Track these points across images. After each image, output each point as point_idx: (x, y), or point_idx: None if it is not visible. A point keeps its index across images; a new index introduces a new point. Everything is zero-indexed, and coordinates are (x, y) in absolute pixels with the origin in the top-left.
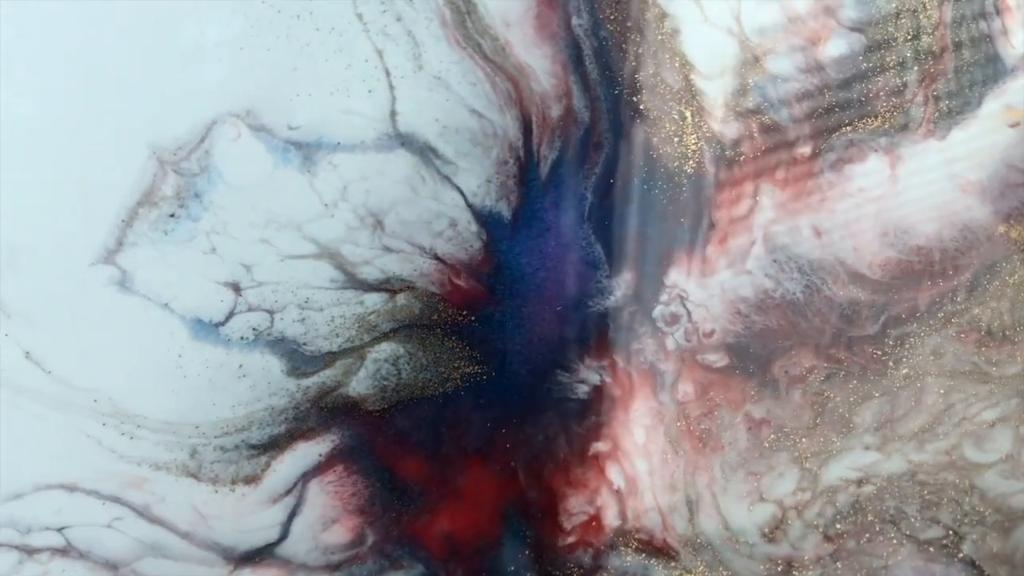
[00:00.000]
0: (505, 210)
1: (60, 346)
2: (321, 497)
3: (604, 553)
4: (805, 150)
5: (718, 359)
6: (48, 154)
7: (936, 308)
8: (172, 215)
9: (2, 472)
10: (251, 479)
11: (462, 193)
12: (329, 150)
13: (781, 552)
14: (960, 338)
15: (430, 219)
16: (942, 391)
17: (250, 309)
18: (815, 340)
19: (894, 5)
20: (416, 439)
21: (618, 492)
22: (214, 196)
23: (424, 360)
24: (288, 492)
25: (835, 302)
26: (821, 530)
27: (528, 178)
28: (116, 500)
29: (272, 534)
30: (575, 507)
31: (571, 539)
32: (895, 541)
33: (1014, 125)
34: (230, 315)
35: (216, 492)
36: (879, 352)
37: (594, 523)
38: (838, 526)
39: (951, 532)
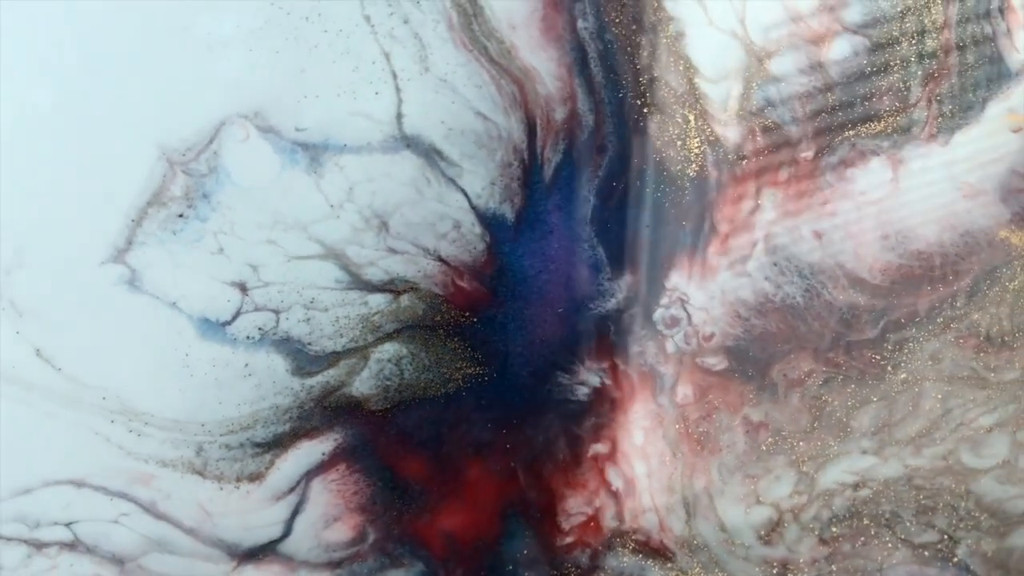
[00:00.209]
0: (509, 212)
1: (70, 344)
2: (324, 495)
3: (601, 554)
4: (807, 153)
5: (717, 362)
6: (59, 155)
7: (936, 313)
8: (181, 215)
9: (12, 467)
10: (255, 477)
11: (466, 195)
12: (336, 152)
13: (777, 555)
14: (959, 343)
15: (434, 221)
16: (940, 396)
17: (256, 309)
18: (814, 344)
19: (899, 8)
20: (418, 439)
21: (616, 493)
22: (222, 197)
23: (427, 361)
24: (291, 490)
25: (835, 306)
26: (817, 533)
27: (532, 181)
28: (123, 496)
29: (275, 531)
30: (573, 508)
31: (569, 539)
32: (890, 545)
33: (1017, 130)
34: (237, 315)
35: (221, 489)
36: (878, 357)
37: (592, 524)
38: (834, 529)
39: (946, 536)
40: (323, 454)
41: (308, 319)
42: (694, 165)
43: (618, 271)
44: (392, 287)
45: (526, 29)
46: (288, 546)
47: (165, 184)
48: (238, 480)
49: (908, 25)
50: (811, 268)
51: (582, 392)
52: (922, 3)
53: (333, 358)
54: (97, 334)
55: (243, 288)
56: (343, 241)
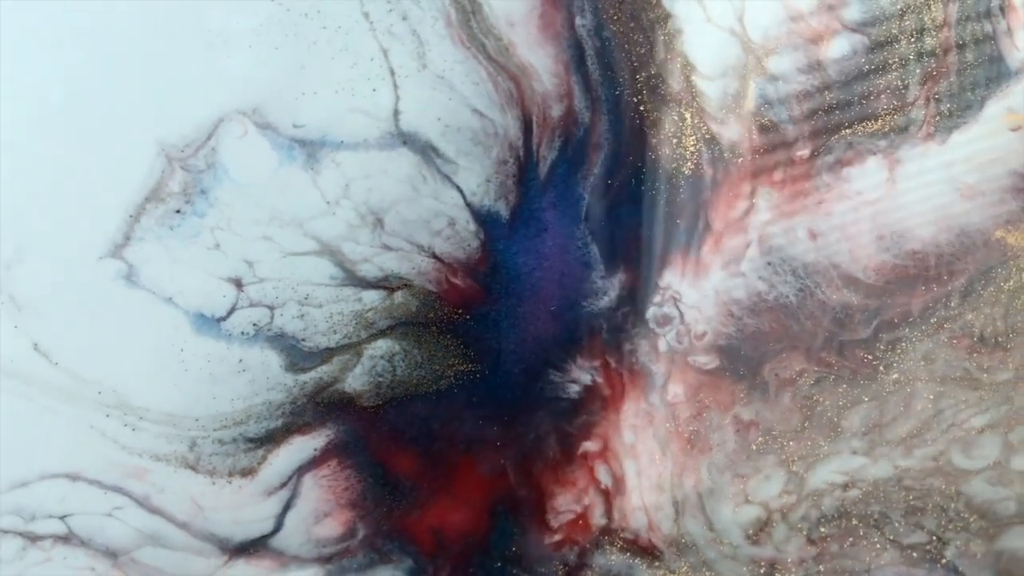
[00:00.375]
0: (503, 210)
1: (68, 338)
2: (315, 491)
3: (589, 551)
4: (804, 152)
5: (709, 361)
6: (59, 152)
7: (929, 313)
8: (178, 211)
9: (9, 461)
10: (247, 472)
11: (461, 192)
12: (333, 148)
13: (765, 554)
14: (952, 344)
15: (429, 218)
16: (932, 397)
17: (251, 305)
18: (806, 344)
19: (898, 6)
20: (409, 435)
21: (605, 491)
22: (220, 193)
23: (419, 357)
24: (283, 485)
25: (828, 306)
26: (805, 533)
27: (527, 178)
28: (117, 490)
29: (266, 526)
30: (562, 505)
31: (557, 537)
32: (878, 545)
33: (1015, 129)
34: (232, 310)
35: (213, 484)
36: (870, 357)
37: (581, 522)
38: (822, 529)
39: (935, 538)
40: (315, 450)
41: (302, 315)
42: (689, 163)
43: (611, 269)
44: (386, 284)
45: (524, 26)
46: (279, 541)
47: (163, 180)
48: (230, 475)
49: (908, 23)
50: (805, 267)
51: (573, 390)
52: (922, 1)
53: (326, 354)
54: (94, 329)
55: (239, 284)
56: (339, 238)
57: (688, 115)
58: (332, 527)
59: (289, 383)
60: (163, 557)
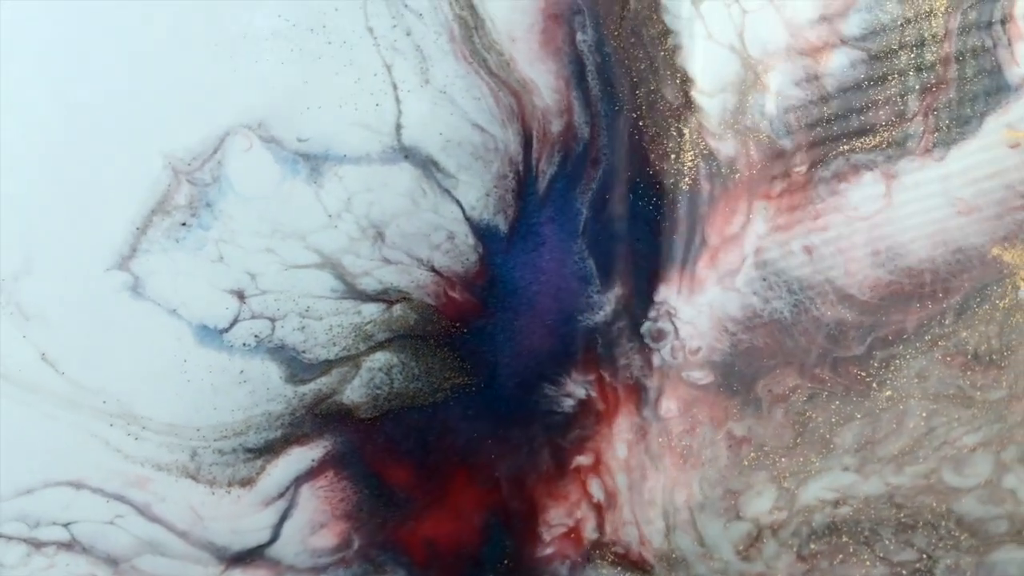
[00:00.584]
0: (502, 224)
1: (74, 348)
2: (312, 501)
3: (580, 565)
4: (801, 167)
5: (703, 376)
6: (67, 164)
7: (924, 330)
8: (184, 224)
9: (15, 468)
10: (246, 482)
11: (461, 206)
12: (336, 162)
13: (754, 570)
14: (946, 361)
15: (429, 232)
16: (924, 414)
17: (253, 316)
18: (800, 360)
19: (898, 21)
20: (405, 447)
21: (598, 505)
22: (224, 206)
23: (416, 370)
24: (281, 495)
25: (822, 322)
26: (795, 550)
27: (526, 192)
28: (119, 498)
29: (263, 536)
30: (555, 519)
31: (549, 550)
32: (868, 563)
33: (1014, 146)
34: (234, 322)
35: (213, 493)
36: (863, 373)
37: (572, 535)
38: (812, 546)
39: (925, 556)
40: (313, 460)
41: (303, 327)
42: (687, 178)
43: (607, 284)
44: (385, 297)
45: (526, 42)
46: (275, 551)
47: (170, 193)
48: (230, 485)
49: (907, 38)
50: (800, 283)
51: (567, 404)
52: (922, 15)
53: (326, 366)
54: (100, 339)
55: (241, 296)
56: (340, 251)
57: (686, 130)
58: (328, 538)
59: (289, 394)
60: (162, 565)
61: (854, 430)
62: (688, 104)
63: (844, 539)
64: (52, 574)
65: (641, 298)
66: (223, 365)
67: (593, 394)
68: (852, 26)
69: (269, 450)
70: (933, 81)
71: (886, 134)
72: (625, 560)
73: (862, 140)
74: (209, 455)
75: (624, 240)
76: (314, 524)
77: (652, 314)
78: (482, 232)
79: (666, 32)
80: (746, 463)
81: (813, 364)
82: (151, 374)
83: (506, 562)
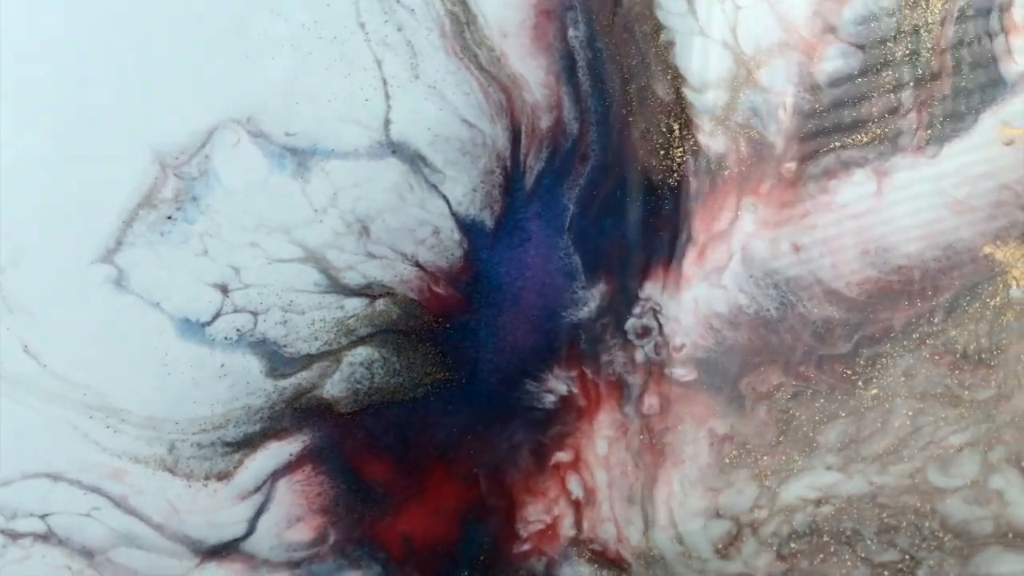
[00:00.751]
0: (488, 219)
1: (56, 341)
2: (288, 495)
3: (557, 562)
4: (791, 165)
5: (686, 373)
6: (57, 157)
7: (912, 329)
8: (169, 217)
9: None
10: (223, 475)
11: (448, 202)
12: (323, 157)
13: (733, 569)
14: (934, 360)
15: (414, 227)
16: (910, 413)
17: (236, 310)
18: (785, 357)
19: (895, 19)
20: (384, 443)
21: (576, 502)
22: (210, 200)
23: (397, 365)
24: (257, 489)
25: (809, 320)
26: (775, 549)
27: (513, 188)
28: (96, 490)
29: (239, 530)
30: (533, 515)
31: (526, 547)
32: (849, 563)
33: (1009, 143)
34: (216, 316)
35: (190, 487)
36: (849, 372)
37: (550, 532)
38: (793, 545)
39: (907, 556)
40: (290, 455)
41: (285, 321)
42: (676, 175)
43: (593, 280)
44: (369, 291)
45: (517, 37)
46: (250, 545)
47: (156, 187)
48: (207, 478)
49: (903, 35)
50: (787, 281)
51: (549, 400)
52: (918, 12)
53: (307, 360)
54: (83, 332)
55: (224, 290)
56: (324, 245)
57: (676, 127)
58: (304, 532)
59: (269, 388)
60: (137, 558)
61: (838, 429)
62: (679, 100)
63: (825, 539)
64: (28, 565)
65: (626, 294)
66: (204, 359)
67: (575, 390)
68: (846, 21)
69: (247, 444)
70: (927, 76)
71: (879, 131)
72: (602, 558)
73: (854, 137)
74: (187, 448)
75: (611, 236)
76: (290, 518)
77: (637, 311)
78: (468, 227)
79: (659, 28)
80: (728, 461)
81: (798, 362)
82: (132, 367)
83: (482, 558)
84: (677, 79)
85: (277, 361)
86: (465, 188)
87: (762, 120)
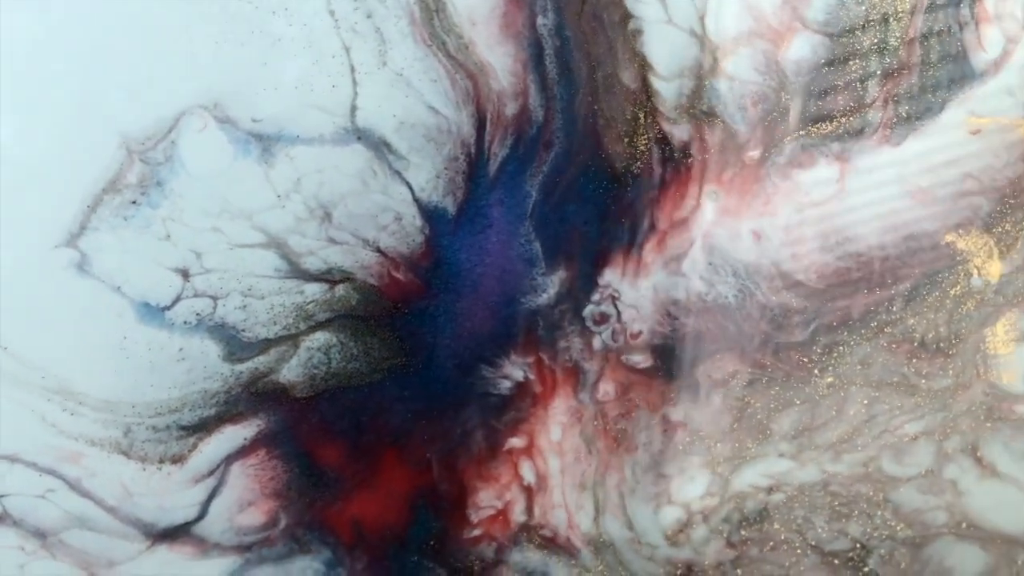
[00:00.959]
0: (450, 206)
1: (17, 324)
2: (241, 479)
3: (507, 548)
4: (754, 153)
5: (642, 360)
6: (24, 142)
7: (870, 317)
8: (134, 202)
9: None
10: (178, 459)
11: (411, 188)
12: (288, 143)
13: (682, 556)
14: (891, 348)
15: (377, 212)
16: (866, 401)
17: (196, 295)
18: (742, 345)
19: (864, 8)
20: (338, 427)
21: (528, 488)
22: (175, 184)
23: (355, 350)
24: (211, 473)
25: (767, 307)
26: (725, 536)
27: (477, 174)
28: (52, 472)
29: (191, 513)
30: (484, 501)
31: (476, 532)
32: (799, 551)
33: (975, 132)
34: (176, 300)
35: (144, 470)
36: (805, 359)
37: (501, 518)
38: (743, 533)
39: (858, 545)
40: (245, 439)
41: (245, 306)
42: (639, 163)
43: (552, 266)
44: (329, 277)
45: (486, 25)
46: (202, 528)
47: (122, 172)
48: (161, 461)
49: (871, 23)
50: (747, 268)
51: (504, 386)
52: (888, 1)
53: (264, 345)
54: (44, 316)
55: (185, 274)
56: (286, 230)
57: (641, 115)
58: (255, 516)
59: (226, 372)
60: (89, 540)
61: (792, 416)
62: (645, 88)
63: (776, 526)
64: None
65: (586, 281)
66: (162, 343)
67: (531, 376)
68: (816, 10)
69: (202, 428)
70: (895, 66)
71: (844, 121)
72: (552, 543)
73: (819, 125)
74: (143, 432)
75: (572, 223)
76: (242, 502)
77: (595, 297)
78: (430, 213)
79: (627, 16)
80: (680, 448)
81: (755, 349)
82: (90, 351)
83: (432, 543)
84: (644, 67)
85: (235, 345)
86: (429, 175)
87: (727, 109)
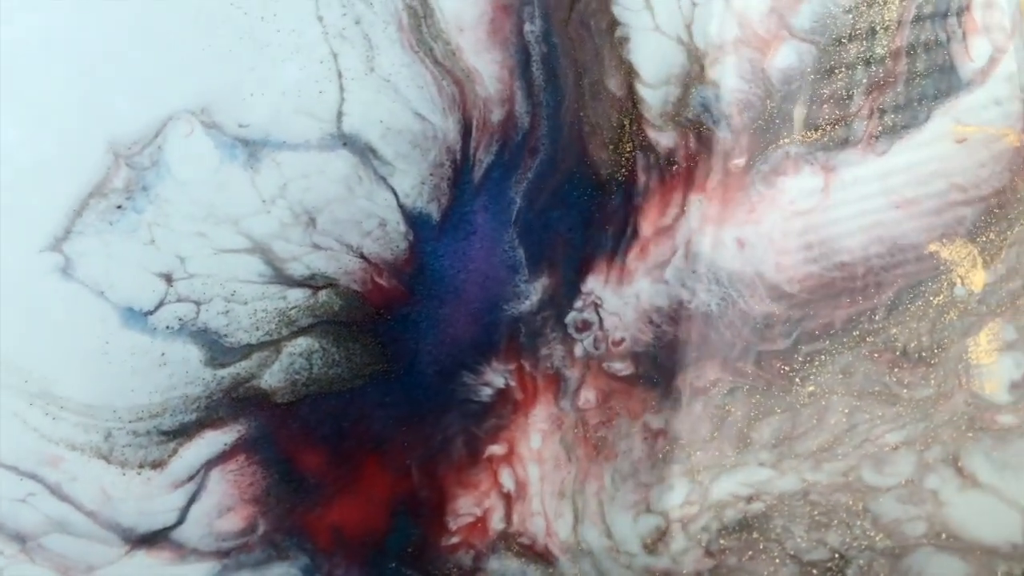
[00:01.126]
0: (435, 212)
1: (0, 327)
2: (220, 485)
3: (485, 555)
4: (739, 161)
5: (624, 368)
6: (11, 146)
7: (852, 326)
8: (119, 207)
9: None
10: (157, 464)
11: (396, 194)
12: (274, 148)
13: (660, 565)
14: (873, 357)
15: (361, 219)
16: (847, 411)
17: (179, 300)
18: (724, 353)
19: (850, 15)
20: (319, 433)
21: (507, 496)
22: (160, 189)
23: (337, 356)
24: (191, 478)
25: (750, 316)
26: (704, 545)
27: (462, 181)
28: (32, 476)
29: (170, 518)
30: (463, 508)
31: (455, 539)
32: (777, 560)
33: (961, 141)
34: (160, 304)
35: (124, 475)
36: (787, 368)
37: (479, 525)
38: (722, 542)
39: (837, 555)
40: (225, 444)
41: (227, 311)
42: (624, 170)
43: (536, 273)
44: (312, 282)
45: (473, 31)
46: (180, 533)
47: (108, 176)
48: (140, 466)
49: (858, 32)
50: (730, 276)
51: (485, 393)
52: (875, 9)
53: (247, 350)
54: (28, 319)
55: (169, 279)
56: (271, 236)
57: (627, 122)
58: (234, 521)
59: (207, 378)
60: (68, 544)
61: (773, 425)
62: (631, 96)
63: (755, 535)
64: None
65: (569, 288)
66: (145, 347)
67: (512, 383)
68: (803, 18)
69: (183, 433)
70: (881, 76)
71: (829, 129)
72: (530, 551)
73: (804, 135)
74: (123, 436)
75: (556, 230)
76: (221, 508)
77: (578, 304)
78: (414, 220)
79: (614, 24)
80: (660, 456)
81: (736, 358)
82: (73, 355)
83: (411, 550)
84: (631, 74)
85: (217, 351)
86: (414, 181)
87: (712, 116)
